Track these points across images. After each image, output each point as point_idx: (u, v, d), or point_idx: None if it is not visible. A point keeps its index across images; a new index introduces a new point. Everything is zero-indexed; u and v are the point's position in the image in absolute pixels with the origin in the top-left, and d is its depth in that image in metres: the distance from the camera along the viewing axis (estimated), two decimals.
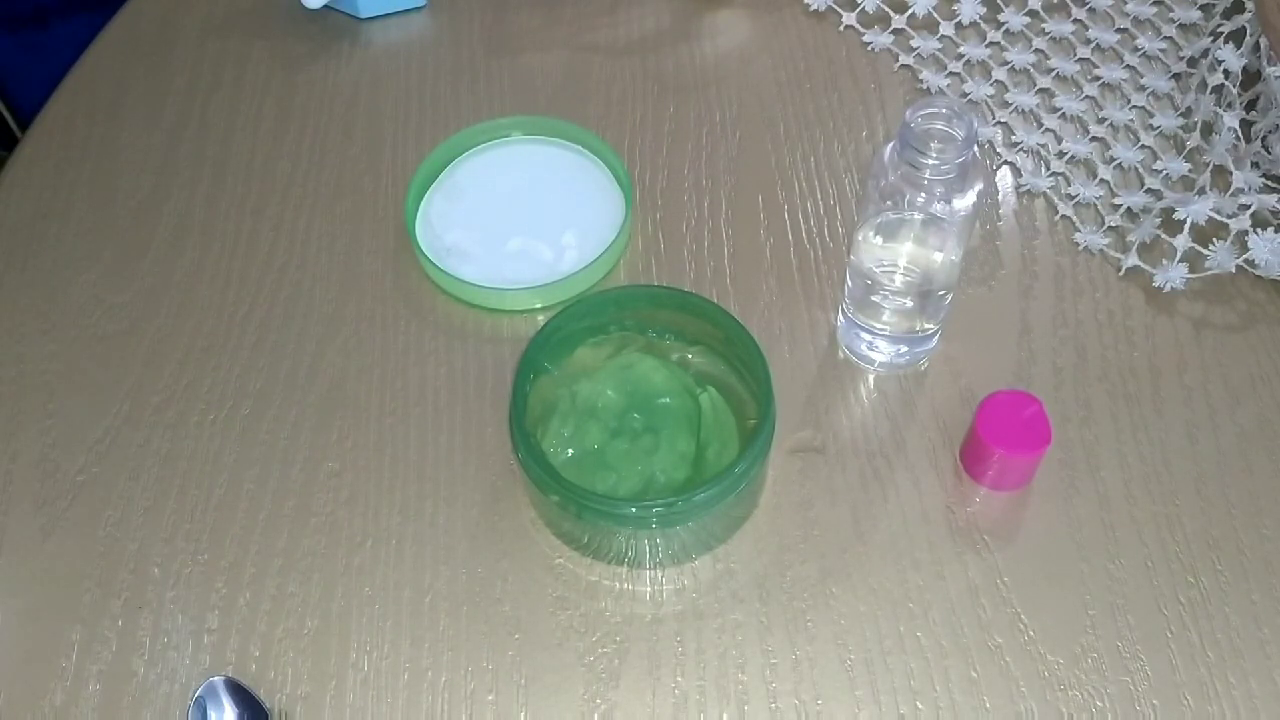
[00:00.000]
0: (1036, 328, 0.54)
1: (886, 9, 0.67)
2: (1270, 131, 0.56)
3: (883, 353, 0.52)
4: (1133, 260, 0.55)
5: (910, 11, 0.67)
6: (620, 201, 0.58)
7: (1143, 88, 0.63)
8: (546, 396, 0.47)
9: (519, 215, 0.58)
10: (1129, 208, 0.57)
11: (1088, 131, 0.61)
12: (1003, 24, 0.66)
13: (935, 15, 0.67)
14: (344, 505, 0.49)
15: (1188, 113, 0.61)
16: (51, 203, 0.61)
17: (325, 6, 0.68)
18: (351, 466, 0.50)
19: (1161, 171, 0.59)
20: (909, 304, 0.50)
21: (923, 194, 0.46)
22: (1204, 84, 0.59)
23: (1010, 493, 0.48)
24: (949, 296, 0.50)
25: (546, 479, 0.43)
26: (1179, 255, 0.53)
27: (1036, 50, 0.65)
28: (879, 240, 0.48)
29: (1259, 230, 0.53)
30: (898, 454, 0.50)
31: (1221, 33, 0.61)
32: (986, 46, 0.66)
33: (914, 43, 0.66)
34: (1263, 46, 0.56)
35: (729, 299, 0.55)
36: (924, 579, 0.46)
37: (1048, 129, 0.61)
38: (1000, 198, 0.59)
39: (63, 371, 0.53)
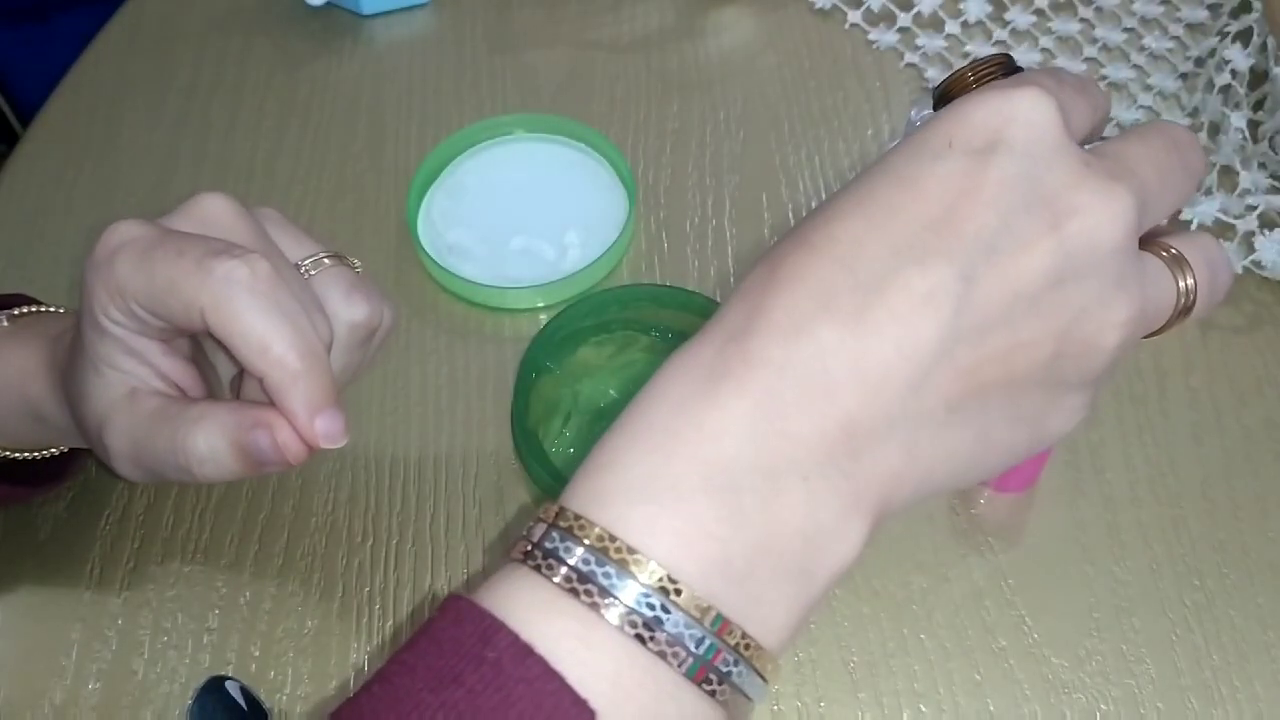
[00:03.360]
0: None
1: (892, 7, 0.67)
2: (1277, 132, 0.56)
3: None
4: None
5: (916, 10, 0.66)
6: (623, 200, 0.58)
7: (1149, 87, 0.63)
8: (549, 396, 0.47)
9: (521, 213, 0.58)
10: None
11: None
12: (1009, 23, 0.66)
13: (941, 14, 0.66)
14: (344, 505, 0.49)
15: (1195, 113, 0.61)
16: (53, 199, 0.61)
17: (327, 3, 0.68)
18: (351, 466, 0.50)
19: None
20: None
21: None
22: (1211, 84, 0.59)
23: (1015, 494, 0.48)
24: None
25: (549, 479, 0.43)
26: None
27: (1043, 49, 0.65)
28: None
29: (1266, 231, 0.52)
30: None
31: (1229, 32, 0.61)
32: (993, 45, 0.65)
33: (919, 41, 0.66)
34: (1270, 47, 0.56)
35: None
36: (928, 581, 0.46)
37: None
38: None
39: None
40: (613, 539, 0.24)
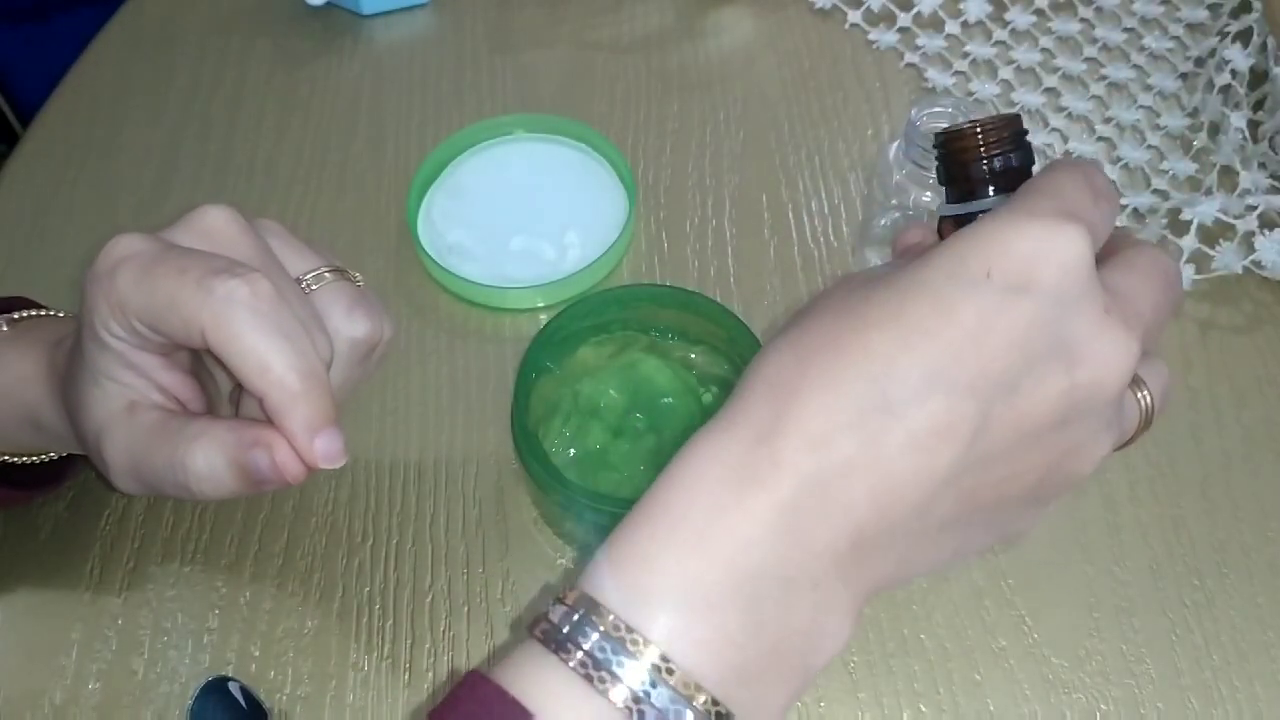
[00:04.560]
0: None
1: (892, 7, 0.67)
2: (1277, 132, 0.56)
3: None
4: None
5: (916, 10, 0.66)
6: (623, 200, 0.58)
7: (1149, 87, 0.63)
8: (549, 396, 0.47)
9: (521, 213, 0.58)
10: (1135, 208, 0.57)
11: (1094, 131, 0.61)
12: (1009, 23, 0.66)
13: (941, 14, 0.66)
14: (344, 505, 0.49)
15: (1195, 113, 0.61)
16: (53, 199, 0.61)
17: (328, 3, 0.68)
18: (351, 466, 0.50)
19: (1168, 172, 0.58)
20: None
21: (928, 192, 0.46)
22: (1211, 84, 0.59)
23: None
24: None
25: (548, 479, 0.43)
26: (1186, 256, 0.53)
27: (1043, 49, 0.65)
28: (884, 239, 0.48)
29: (1266, 231, 0.52)
30: None
31: (1229, 32, 0.61)
32: (993, 45, 0.65)
33: (919, 41, 0.66)
34: (1270, 47, 0.56)
35: (732, 298, 0.55)
36: (928, 581, 0.46)
37: (1054, 128, 0.61)
38: None
39: None
40: (649, 645, 0.25)
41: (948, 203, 0.33)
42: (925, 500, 0.26)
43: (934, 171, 0.33)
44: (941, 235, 0.33)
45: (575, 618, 0.26)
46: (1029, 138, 0.32)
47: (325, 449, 0.33)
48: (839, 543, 0.26)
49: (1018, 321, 0.26)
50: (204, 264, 0.32)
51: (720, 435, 0.27)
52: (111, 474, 0.35)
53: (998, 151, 0.31)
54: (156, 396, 0.35)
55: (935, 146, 0.33)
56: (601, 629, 0.25)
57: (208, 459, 0.33)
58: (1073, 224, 0.27)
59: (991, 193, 0.32)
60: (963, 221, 0.32)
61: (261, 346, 0.32)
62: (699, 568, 0.25)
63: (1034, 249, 0.26)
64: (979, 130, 0.31)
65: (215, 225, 0.35)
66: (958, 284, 0.26)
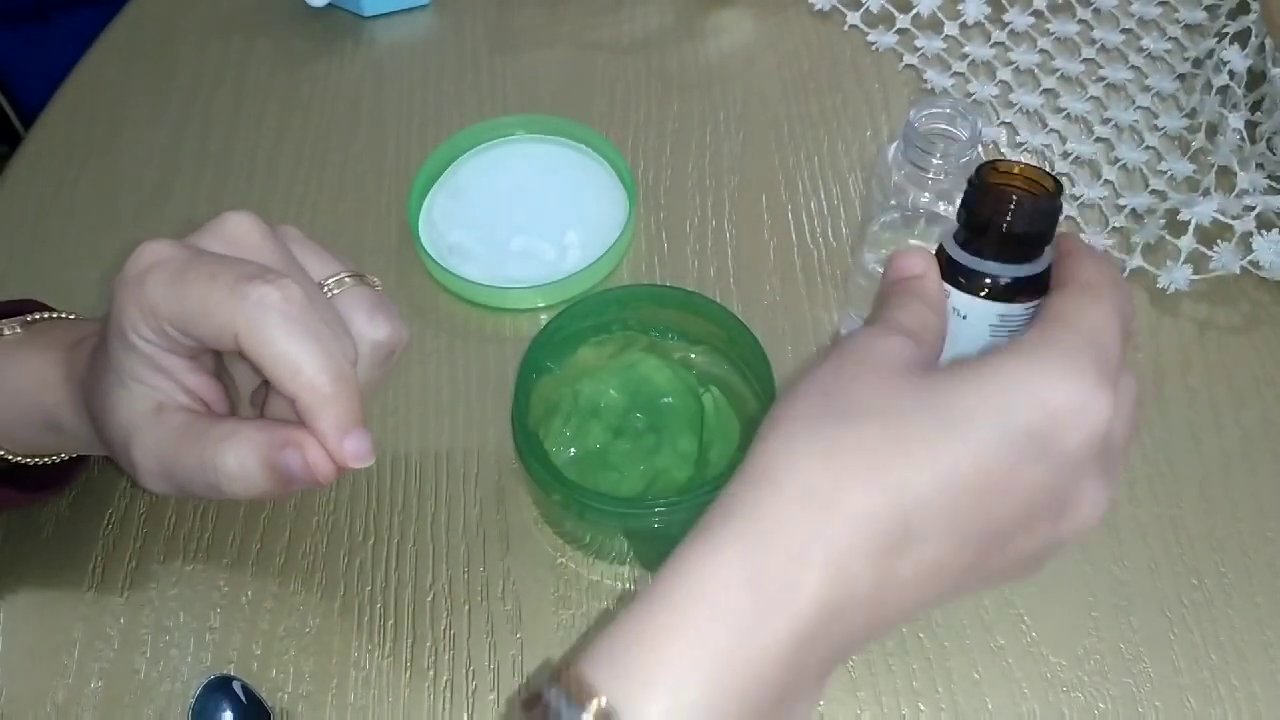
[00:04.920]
0: None
1: (891, 9, 0.67)
2: (1275, 133, 0.56)
3: None
4: (1137, 261, 0.54)
5: (915, 11, 0.67)
6: (623, 200, 0.58)
7: (1148, 88, 0.63)
8: (549, 396, 0.47)
9: (522, 214, 0.58)
10: (1133, 209, 0.57)
11: (1092, 132, 0.61)
12: (1007, 24, 0.66)
13: (940, 15, 0.66)
14: (345, 504, 0.49)
15: (1193, 114, 0.61)
16: (55, 200, 0.61)
17: (329, 4, 0.68)
18: None
19: (1166, 172, 0.59)
20: None
21: (927, 193, 0.46)
22: (1209, 85, 0.59)
23: None
24: None
25: (549, 478, 0.43)
26: (1183, 256, 0.53)
27: (1041, 50, 0.65)
28: (883, 240, 0.48)
29: (1263, 231, 0.52)
30: None
31: (1227, 33, 0.61)
32: (991, 47, 0.65)
33: (918, 43, 0.66)
34: (1268, 48, 0.56)
35: (732, 299, 0.55)
36: None
37: (1052, 129, 0.61)
38: None
39: None
40: None
41: (957, 240, 0.33)
42: (905, 618, 0.29)
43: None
44: (940, 262, 0.33)
45: (576, 711, 0.27)
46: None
47: (355, 449, 0.34)
48: (829, 658, 0.29)
49: (1033, 484, 0.28)
50: (234, 269, 0.33)
51: (744, 542, 0.28)
52: (140, 475, 0.35)
53: (1024, 228, 0.32)
54: (183, 398, 0.35)
55: (970, 183, 0.33)
56: (593, 714, 0.26)
57: (239, 459, 0.33)
58: (1107, 392, 0.29)
59: (1001, 259, 0.32)
60: (964, 270, 0.33)
61: (294, 350, 0.32)
62: (718, 692, 0.27)
63: (1069, 414, 0.28)
64: (1014, 198, 0.32)
65: (239, 231, 0.35)
66: (998, 436, 0.28)
